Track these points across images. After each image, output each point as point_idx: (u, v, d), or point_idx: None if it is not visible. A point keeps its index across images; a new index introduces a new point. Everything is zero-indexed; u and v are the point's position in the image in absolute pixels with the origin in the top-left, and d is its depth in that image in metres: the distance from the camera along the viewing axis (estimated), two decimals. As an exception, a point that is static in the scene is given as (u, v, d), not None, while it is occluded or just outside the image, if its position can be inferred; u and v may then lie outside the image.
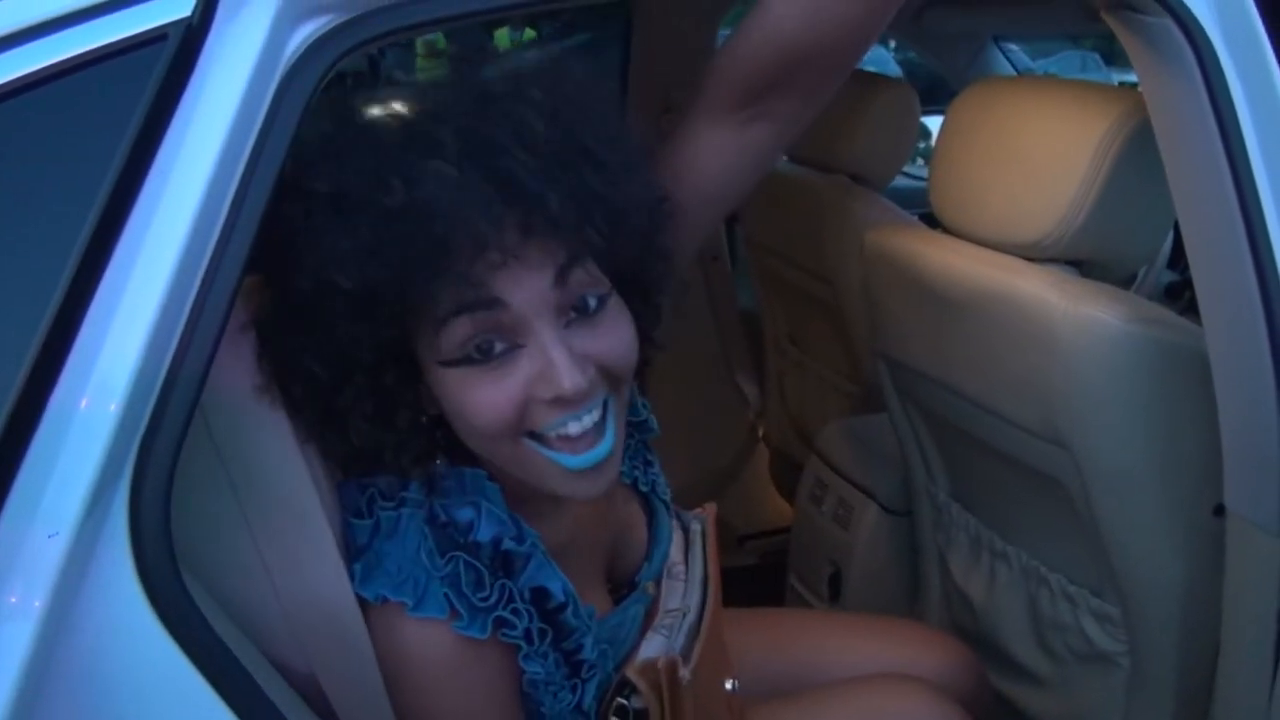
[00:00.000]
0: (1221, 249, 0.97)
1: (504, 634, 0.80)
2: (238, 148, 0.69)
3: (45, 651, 0.64)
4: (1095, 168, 1.13)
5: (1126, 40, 1.00)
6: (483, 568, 0.79)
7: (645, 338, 0.84)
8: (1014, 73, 2.28)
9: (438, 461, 0.82)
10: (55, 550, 0.64)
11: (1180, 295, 2.02)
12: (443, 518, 0.79)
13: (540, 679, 0.83)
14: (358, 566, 0.78)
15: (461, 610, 0.77)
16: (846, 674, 1.18)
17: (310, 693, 0.78)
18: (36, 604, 0.64)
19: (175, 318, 0.67)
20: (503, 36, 10.01)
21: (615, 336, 0.78)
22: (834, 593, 1.81)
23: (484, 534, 0.79)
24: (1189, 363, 1.08)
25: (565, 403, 0.74)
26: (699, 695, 0.92)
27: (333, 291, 0.71)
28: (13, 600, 0.63)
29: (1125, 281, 1.56)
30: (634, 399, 0.98)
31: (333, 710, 0.79)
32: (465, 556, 0.78)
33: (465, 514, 0.80)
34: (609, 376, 0.78)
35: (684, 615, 0.97)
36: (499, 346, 0.74)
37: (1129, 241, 1.22)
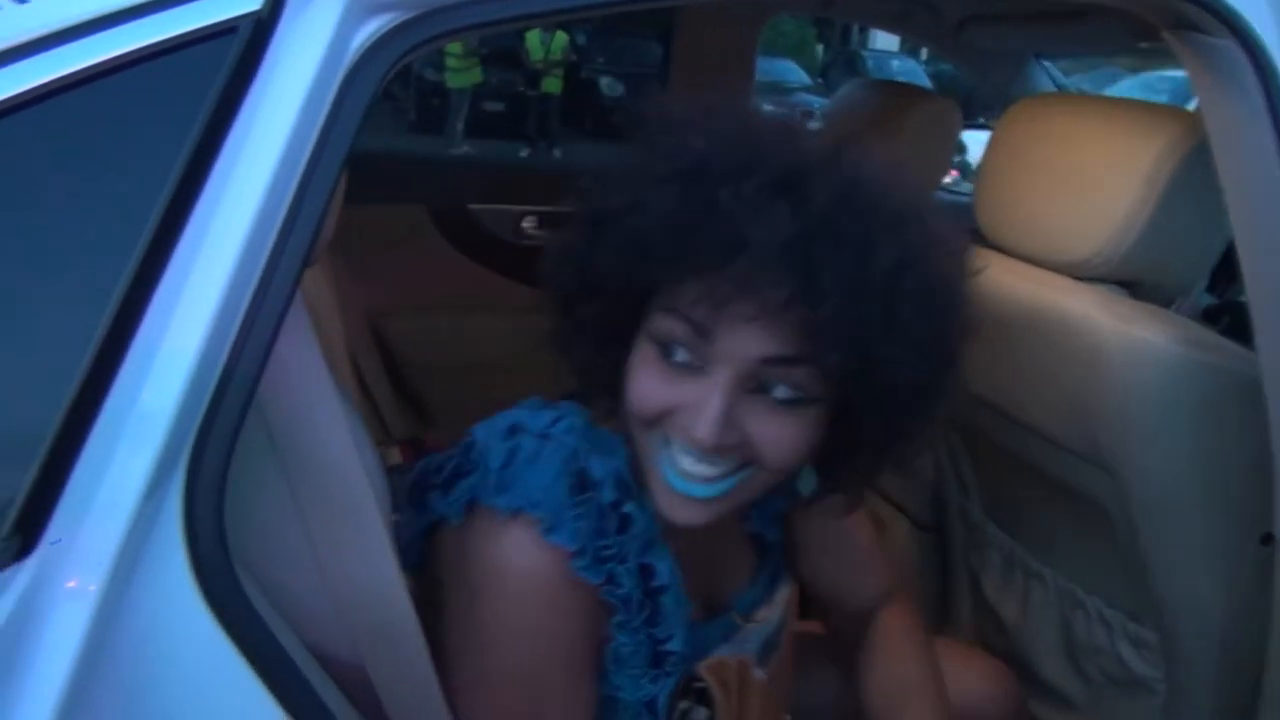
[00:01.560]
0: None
1: (609, 591, 0.80)
2: (302, 141, 0.69)
3: (99, 634, 0.64)
4: (1149, 187, 1.11)
5: (1188, 61, 0.99)
6: (610, 518, 0.80)
7: (842, 464, 0.85)
8: (1055, 89, 2.27)
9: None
10: (112, 536, 0.64)
11: (1218, 319, 2.00)
12: (579, 464, 0.80)
13: (626, 653, 0.83)
14: (490, 480, 0.79)
15: (587, 549, 0.78)
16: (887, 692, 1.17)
17: (356, 682, 0.78)
18: (92, 588, 0.64)
19: (235, 309, 0.67)
20: (534, 39, 10.05)
21: (786, 432, 0.77)
22: (861, 607, 1.80)
23: (609, 494, 0.80)
24: (1240, 388, 1.06)
25: (692, 441, 0.76)
26: (764, 711, 0.92)
27: (627, 226, 0.74)
28: (71, 584, 0.64)
29: (1164, 304, 1.55)
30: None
31: (378, 700, 0.79)
32: (598, 499, 0.79)
33: (599, 469, 0.81)
34: (756, 460, 0.78)
35: (761, 627, 0.97)
36: (683, 357, 0.76)
37: (1178, 263, 1.21)
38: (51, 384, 0.65)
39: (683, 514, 0.80)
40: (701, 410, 0.75)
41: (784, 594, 1.02)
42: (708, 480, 0.78)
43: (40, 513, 0.64)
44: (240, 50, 0.68)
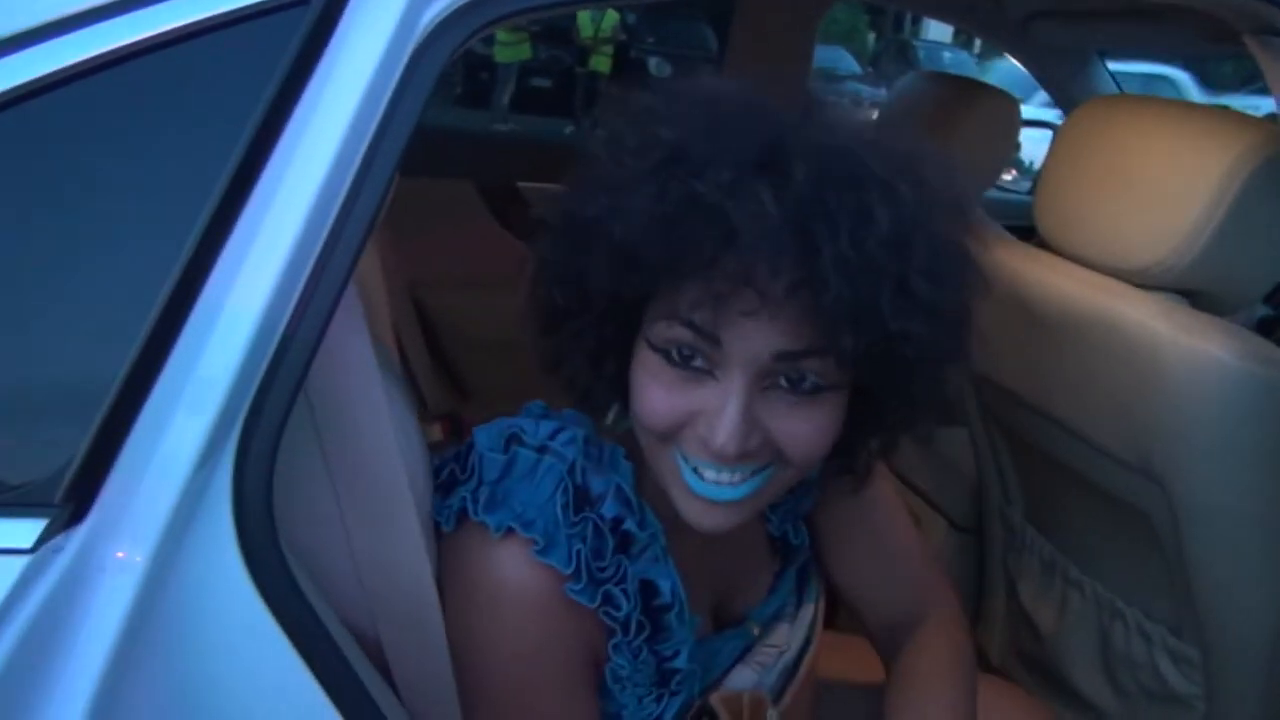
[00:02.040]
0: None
1: (606, 612, 0.78)
2: (369, 115, 0.69)
3: (145, 606, 0.64)
4: (1219, 197, 1.08)
5: (1268, 66, 0.97)
6: (608, 537, 0.78)
7: (857, 446, 0.82)
8: (1118, 91, 2.22)
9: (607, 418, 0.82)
10: (163, 504, 0.64)
11: (1273, 331, 1.96)
12: (579, 480, 0.78)
13: (625, 675, 0.81)
14: (482, 493, 0.77)
15: (582, 572, 0.76)
16: None
17: (375, 663, 0.78)
18: (139, 559, 0.64)
19: (296, 280, 0.67)
20: (584, 16, 10.01)
21: (809, 426, 0.73)
22: (893, 606, 1.79)
23: (610, 510, 0.78)
24: (1303, 406, 1.04)
25: (710, 452, 0.72)
26: None
27: (607, 233, 0.69)
28: (119, 555, 0.64)
29: (1221, 314, 1.52)
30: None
31: (393, 684, 0.79)
32: (596, 519, 0.77)
33: (599, 485, 0.79)
34: (779, 457, 0.74)
35: (782, 653, 0.94)
36: (698, 362, 0.72)
37: (1243, 276, 1.17)
38: (113, 348, 0.65)
39: (710, 520, 0.76)
40: (719, 418, 0.70)
41: (809, 613, 0.98)
42: (733, 484, 0.74)
43: (94, 479, 0.64)
44: (313, 21, 0.67)
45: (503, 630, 0.78)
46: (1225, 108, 1.30)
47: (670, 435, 0.74)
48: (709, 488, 0.74)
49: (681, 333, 0.71)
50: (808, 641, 0.97)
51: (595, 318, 0.76)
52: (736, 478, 0.74)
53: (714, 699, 0.85)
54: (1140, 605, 1.31)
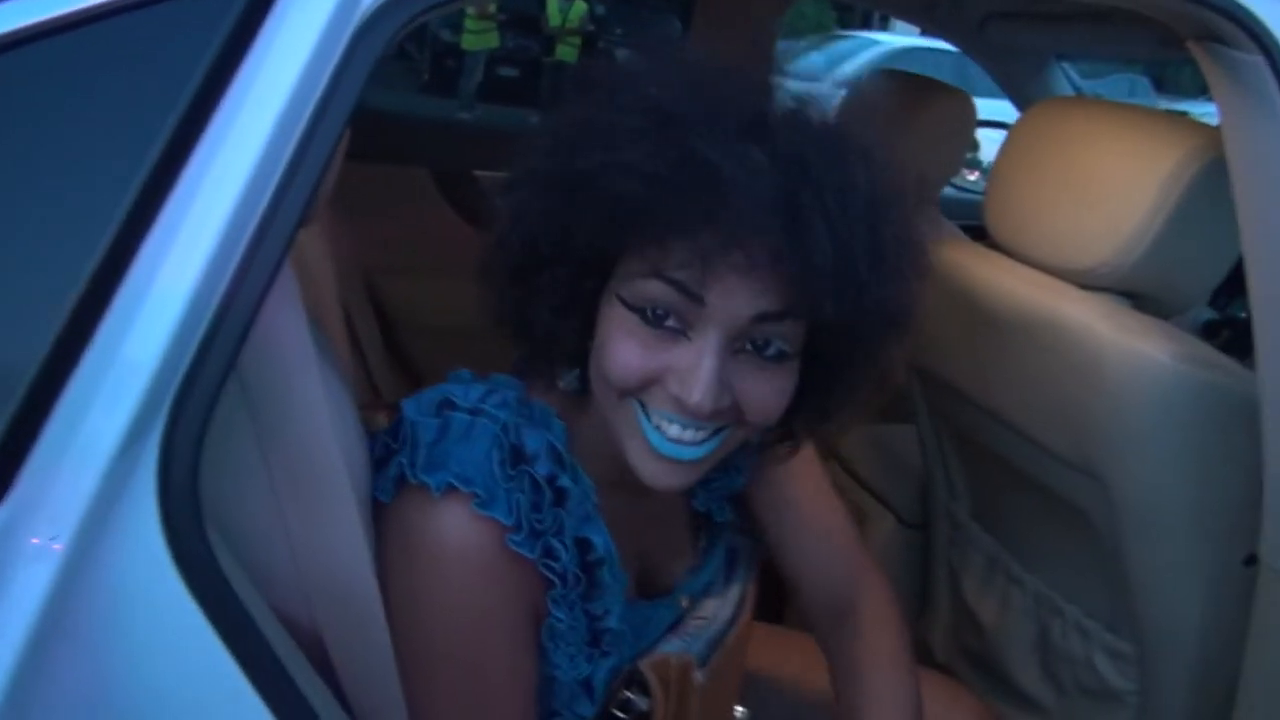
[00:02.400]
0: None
1: (546, 564, 0.79)
2: (305, 97, 0.67)
3: (63, 594, 0.63)
4: (1163, 200, 1.10)
5: (1211, 73, 0.98)
6: (545, 490, 0.79)
7: (802, 413, 0.83)
8: (1074, 93, 2.24)
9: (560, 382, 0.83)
10: (83, 491, 0.63)
11: (1217, 334, 1.99)
12: (513, 438, 0.79)
13: (563, 629, 0.82)
14: (419, 456, 0.78)
15: (522, 523, 0.77)
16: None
17: (313, 654, 0.77)
18: (57, 546, 0.63)
19: (227, 263, 0.66)
20: (553, 5, 9.94)
21: (770, 391, 0.76)
22: (840, 600, 1.80)
23: (543, 467, 0.79)
24: (1237, 408, 1.05)
25: (682, 408, 0.74)
26: (706, 710, 0.91)
27: (601, 187, 0.71)
28: (34, 542, 0.62)
29: (1165, 317, 1.54)
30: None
31: (333, 672, 0.78)
32: (532, 473, 0.78)
33: (533, 443, 0.79)
34: (739, 419, 0.77)
35: (709, 624, 0.95)
36: (671, 322, 0.74)
37: (1185, 278, 1.19)
38: (34, 330, 0.63)
39: (666, 479, 0.78)
40: (692, 375, 0.72)
41: (738, 591, 1.01)
42: (695, 443, 0.76)
43: (11, 464, 0.62)
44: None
45: (448, 589, 0.78)
46: (1171, 112, 1.32)
47: (636, 392, 0.76)
48: (672, 447, 0.76)
49: (662, 290, 0.72)
50: (735, 617, 0.98)
51: (569, 270, 0.76)
52: (700, 436, 0.76)
53: (643, 664, 0.87)
54: (1078, 602, 1.33)
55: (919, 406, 1.55)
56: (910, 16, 2.59)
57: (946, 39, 2.23)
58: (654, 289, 0.73)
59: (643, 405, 0.76)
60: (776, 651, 1.21)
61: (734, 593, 1.00)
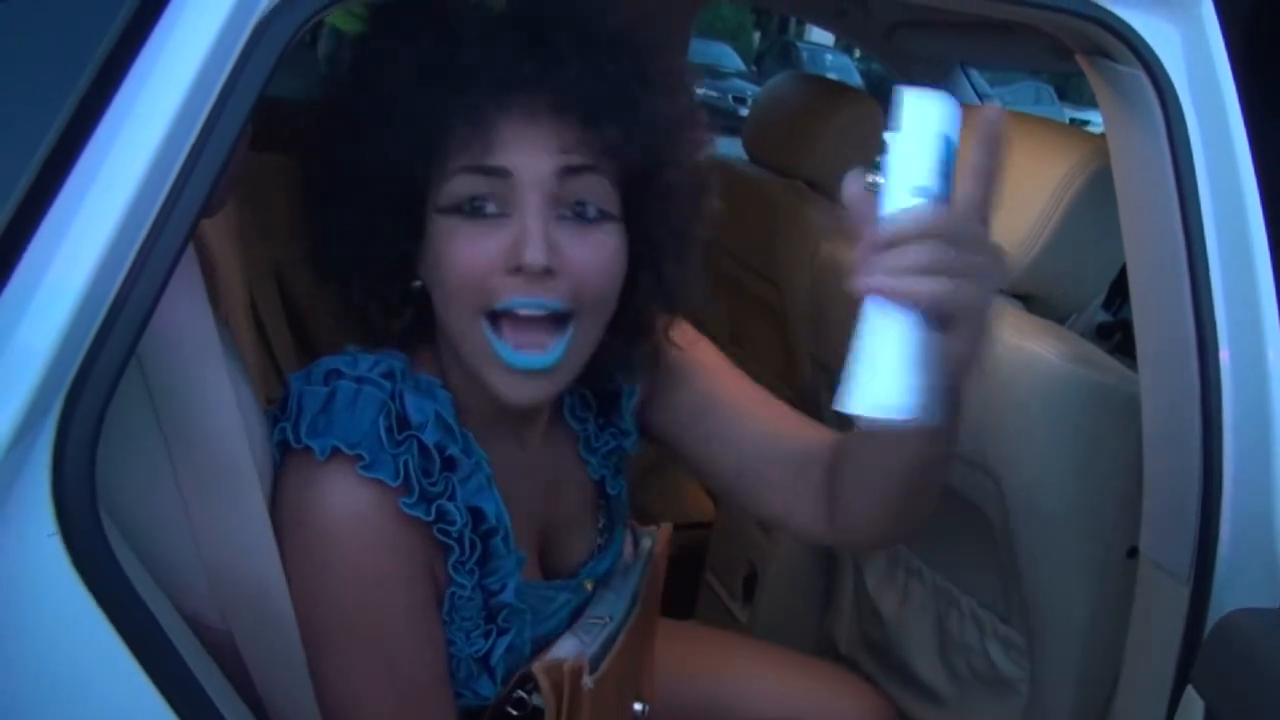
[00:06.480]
0: (1165, 297, 1.00)
1: (441, 529, 0.80)
2: (206, 88, 0.67)
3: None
4: (1052, 206, 1.15)
5: (1098, 85, 1.02)
6: (434, 456, 0.79)
7: (652, 295, 0.87)
8: (978, 101, 2.31)
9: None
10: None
11: (1110, 336, 2.07)
12: (399, 407, 0.79)
13: (464, 597, 0.82)
14: (304, 424, 0.78)
15: (413, 486, 0.77)
16: (760, 712, 1.17)
17: (224, 649, 0.76)
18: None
19: (125, 252, 0.65)
20: None
21: (598, 255, 0.80)
22: (748, 594, 1.83)
23: (430, 436, 0.79)
24: (1121, 407, 1.10)
25: (526, 276, 0.76)
26: (599, 709, 0.91)
27: (372, 103, 0.79)
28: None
29: (1060, 319, 1.60)
30: (623, 409, 0.98)
31: (245, 667, 0.77)
32: (420, 438, 0.79)
33: (419, 413, 0.80)
34: (578, 295, 0.79)
35: (605, 625, 0.96)
36: (490, 208, 0.78)
37: (1075, 281, 1.25)
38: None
39: (527, 392, 0.81)
40: (524, 237, 0.76)
41: (634, 586, 1.02)
42: (544, 349, 0.79)
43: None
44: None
45: (341, 557, 0.78)
46: (1062, 123, 1.37)
47: (482, 292, 0.78)
48: (521, 357, 0.78)
49: (468, 179, 0.78)
50: (629, 614, 0.99)
51: (383, 200, 0.80)
52: (540, 312, 0.78)
53: (536, 667, 0.87)
54: (974, 594, 1.37)
55: (825, 403, 1.58)
56: (822, 22, 2.64)
57: (856, 45, 2.28)
58: (460, 183, 0.78)
59: (491, 322, 0.78)
60: (684, 646, 1.23)
61: (629, 587, 1.01)
